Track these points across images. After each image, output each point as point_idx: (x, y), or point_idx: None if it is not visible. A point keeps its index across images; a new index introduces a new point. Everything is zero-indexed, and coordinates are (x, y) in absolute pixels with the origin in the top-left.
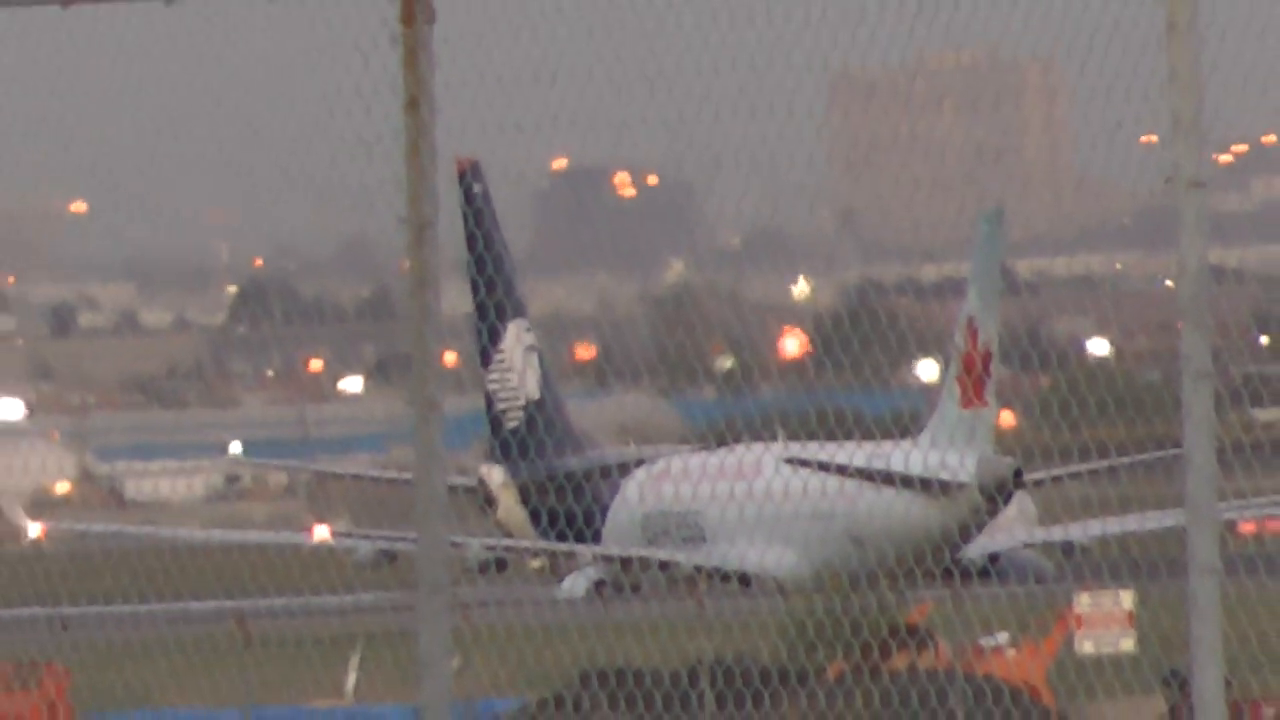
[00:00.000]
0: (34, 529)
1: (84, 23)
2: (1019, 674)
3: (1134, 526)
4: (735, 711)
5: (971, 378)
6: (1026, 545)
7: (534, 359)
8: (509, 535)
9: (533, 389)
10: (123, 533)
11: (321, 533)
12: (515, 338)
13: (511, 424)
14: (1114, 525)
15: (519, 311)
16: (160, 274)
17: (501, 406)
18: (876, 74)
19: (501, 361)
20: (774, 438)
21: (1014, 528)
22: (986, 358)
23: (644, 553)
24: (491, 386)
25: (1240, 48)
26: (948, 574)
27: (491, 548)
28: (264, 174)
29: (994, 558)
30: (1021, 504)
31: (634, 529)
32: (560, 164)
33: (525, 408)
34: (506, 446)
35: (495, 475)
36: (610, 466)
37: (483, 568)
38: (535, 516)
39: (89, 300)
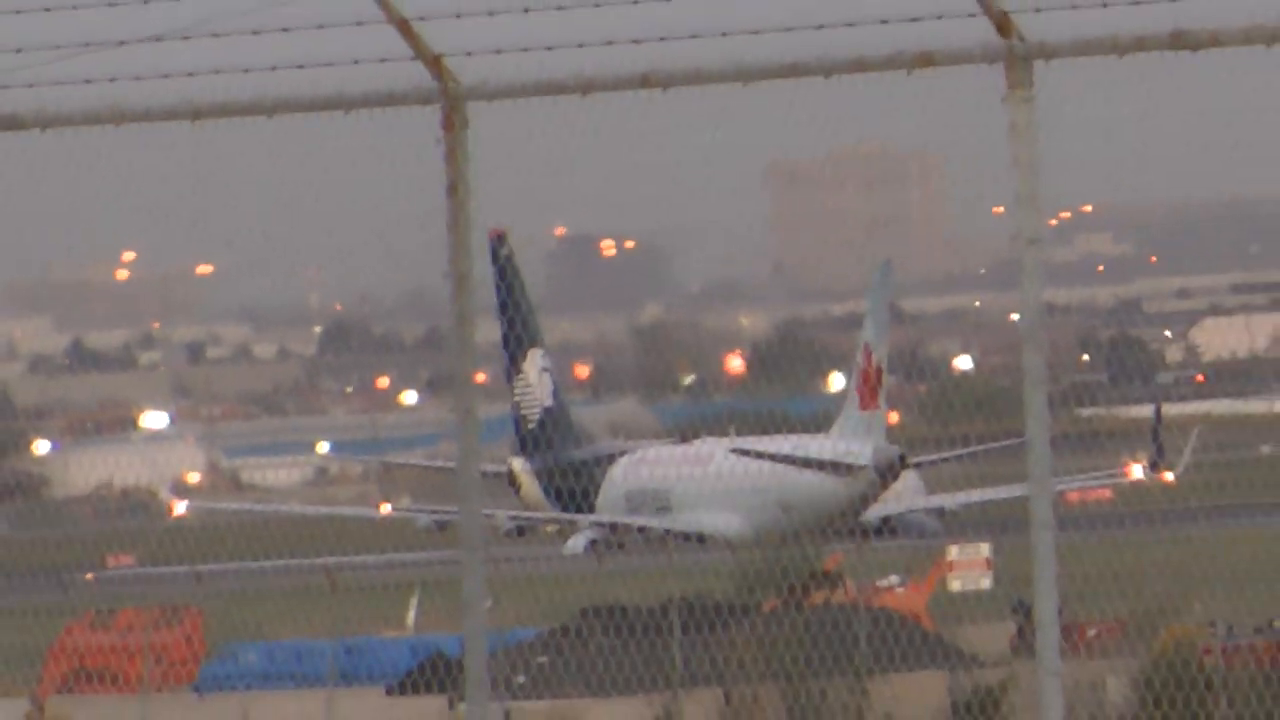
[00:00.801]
0: (180, 507)
1: (208, 133)
2: (906, 606)
3: (991, 496)
4: (696, 636)
5: (867, 388)
6: (913, 510)
7: (547, 377)
8: (531, 509)
9: (547, 399)
10: (243, 509)
11: (386, 508)
12: (533, 362)
13: (531, 425)
14: (976, 495)
15: (536, 342)
16: (267, 317)
17: (523, 412)
18: (799, 163)
19: (523, 379)
20: (725, 434)
21: (905, 498)
22: (878, 373)
23: (627, 519)
24: (516, 398)
25: (1068, 139)
26: (853, 533)
27: (515, 518)
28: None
29: (886, 520)
30: (913, 480)
31: (619, 502)
32: (561, 231)
33: (541, 413)
34: (527, 442)
35: (519, 464)
36: (604, 456)
37: (510, 533)
38: (550, 494)
39: (215, 338)
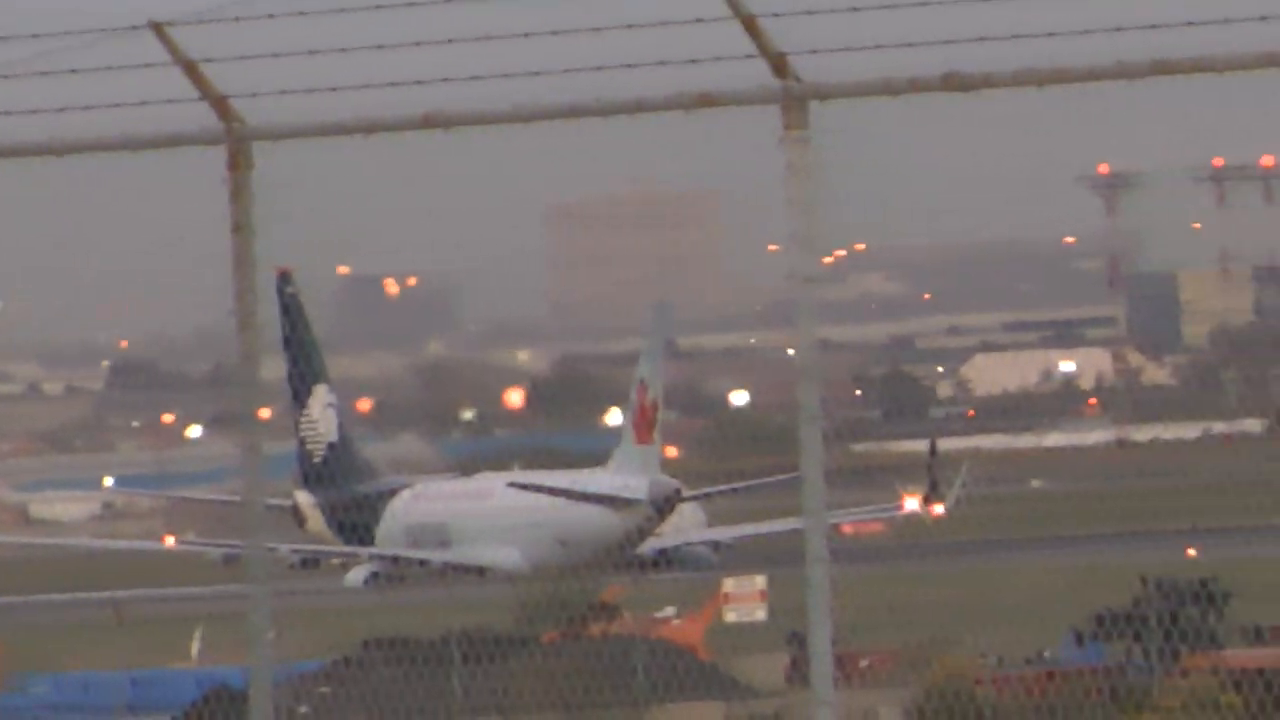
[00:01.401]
0: None
1: None
2: (684, 637)
3: (766, 529)
4: (477, 666)
5: (642, 423)
6: (689, 543)
7: (331, 413)
8: (316, 542)
9: (331, 434)
10: (34, 544)
11: (170, 542)
12: (318, 398)
13: (316, 460)
14: (751, 529)
15: (321, 379)
16: (55, 355)
17: (309, 447)
18: (580, 204)
19: (308, 415)
20: (506, 469)
21: (687, 530)
22: (653, 408)
23: (407, 553)
24: (301, 433)
25: (843, 179)
26: (631, 565)
27: (297, 551)
28: (134, 281)
29: (663, 552)
30: (695, 513)
31: (399, 536)
32: (345, 270)
33: (326, 448)
34: (312, 477)
35: (304, 498)
36: (388, 490)
37: (297, 566)
38: (334, 527)
39: (4, 374)
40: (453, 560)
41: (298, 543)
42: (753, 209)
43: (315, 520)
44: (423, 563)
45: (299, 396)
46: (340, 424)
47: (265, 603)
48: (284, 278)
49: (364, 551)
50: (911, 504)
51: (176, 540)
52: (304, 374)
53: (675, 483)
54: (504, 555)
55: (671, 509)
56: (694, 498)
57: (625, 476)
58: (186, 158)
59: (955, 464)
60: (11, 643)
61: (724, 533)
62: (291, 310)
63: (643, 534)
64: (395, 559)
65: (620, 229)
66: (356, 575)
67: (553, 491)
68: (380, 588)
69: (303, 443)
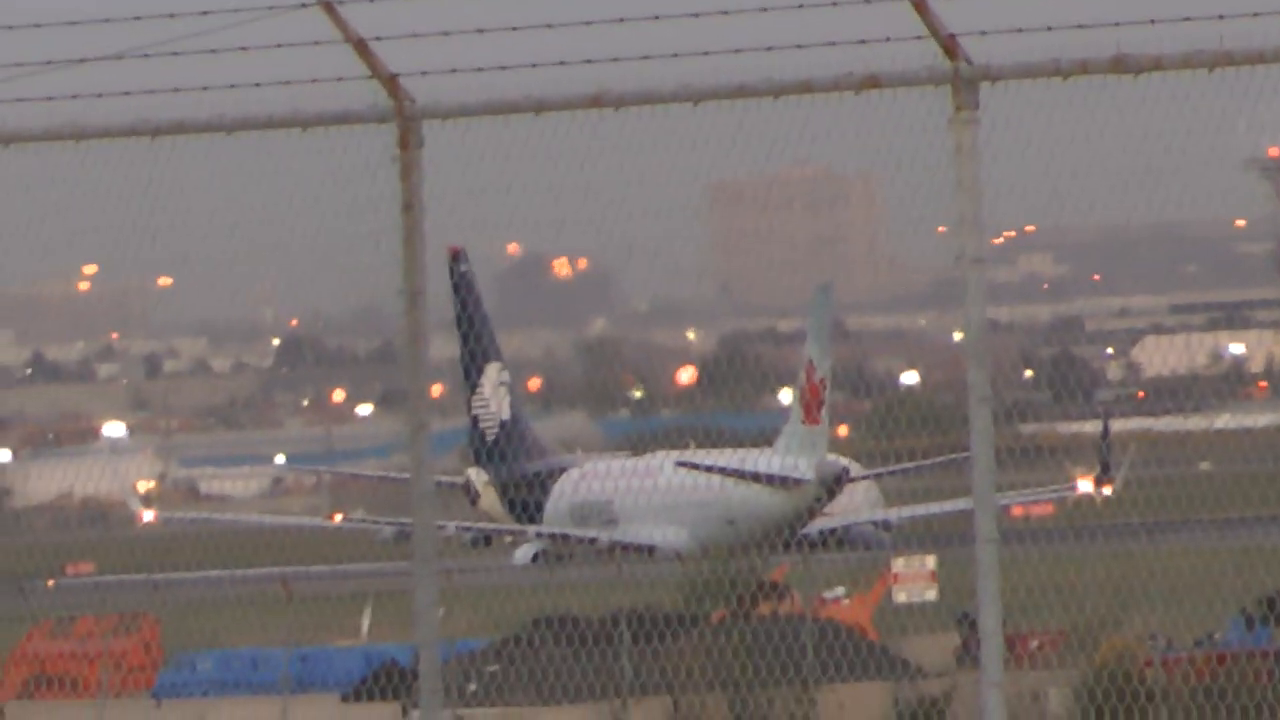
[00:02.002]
0: (147, 515)
1: (166, 151)
2: (852, 617)
3: (935, 510)
4: (645, 645)
5: (810, 404)
6: (857, 523)
7: (504, 391)
8: (490, 521)
9: (504, 412)
10: (206, 519)
11: (338, 519)
12: (490, 376)
13: (489, 437)
14: (921, 509)
15: (495, 356)
16: (224, 331)
17: (482, 426)
18: (744, 184)
19: (480, 393)
20: (683, 448)
21: (862, 510)
22: (819, 389)
23: (573, 531)
24: (475, 411)
25: (1009, 160)
26: (799, 544)
27: (463, 528)
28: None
29: (831, 532)
30: (870, 492)
31: (565, 515)
32: (513, 249)
33: (499, 426)
34: (486, 454)
35: (477, 475)
36: (560, 469)
37: (474, 543)
38: (507, 505)
39: (172, 351)
40: (619, 539)
41: (470, 520)
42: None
43: (488, 498)
44: (590, 541)
45: (471, 374)
46: (513, 402)
47: (433, 580)
48: (456, 256)
49: (531, 530)
50: (1085, 485)
51: (344, 518)
52: (476, 352)
53: (843, 463)
54: (670, 535)
55: (839, 489)
56: (862, 478)
57: (792, 456)
58: (356, 135)
59: (1123, 445)
60: (179, 619)
61: (892, 513)
62: (464, 288)
63: (810, 514)
64: (562, 537)
65: (786, 209)
66: (524, 553)
67: (720, 471)
68: (546, 566)
69: (475, 421)
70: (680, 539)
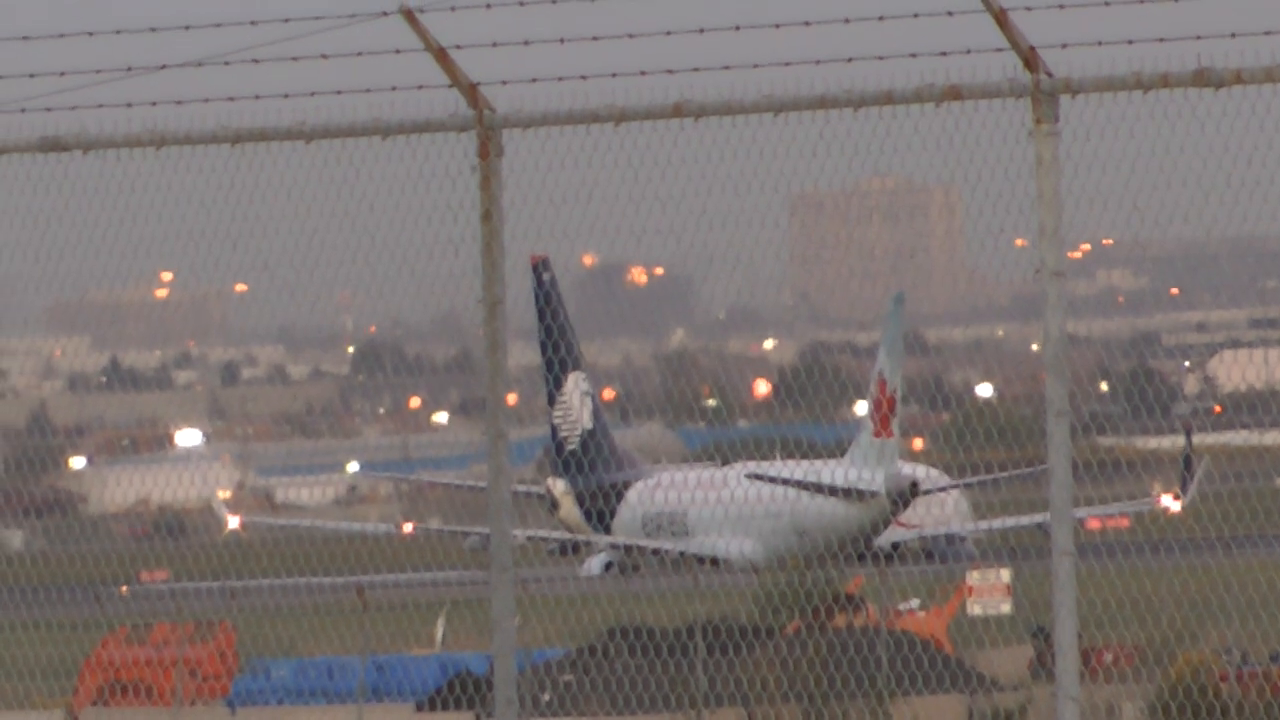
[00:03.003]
0: (233, 522)
1: (247, 157)
2: (927, 629)
3: (1012, 523)
4: (720, 658)
5: (881, 416)
6: (920, 537)
7: (588, 400)
8: (570, 531)
9: (587, 421)
10: (290, 525)
11: (408, 528)
12: (574, 385)
13: (571, 447)
14: (997, 522)
15: (578, 366)
16: (301, 338)
17: (563, 434)
18: (824, 195)
19: (564, 402)
20: (756, 458)
21: (953, 520)
22: (891, 401)
23: (643, 542)
24: (556, 421)
25: (1089, 174)
26: (875, 557)
27: (531, 538)
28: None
29: (896, 545)
30: (959, 505)
31: (636, 525)
32: (590, 260)
33: (581, 436)
34: (567, 464)
35: (558, 485)
36: (636, 479)
37: (554, 552)
38: (588, 515)
39: (250, 358)
40: (689, 550)
41: (549, 530)
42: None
43: (568, 507)
44: (659, 552)
45: (553, 383)
46: (596, 411)
47: (509, 589)
48: (541, 264)
49: (603, 540)
50: (1167, 500)
51: (414, 526)
52: (560, 361)
53: (912, 475)
54: (740, 545)
55: (909, 502)
56: (932, 491)
57: (863, 468)
58: (436, 143)
59: (1199, 460)
60: (254, 627)
61: (968, 526)
62: (549, 297)
63: (880, 526)
64: (629, 549)
65: (865, 220)
66: (595, 563)
67: (790, 483)
68: (616, 576)
69: (556, 429)
70: (751, 550)
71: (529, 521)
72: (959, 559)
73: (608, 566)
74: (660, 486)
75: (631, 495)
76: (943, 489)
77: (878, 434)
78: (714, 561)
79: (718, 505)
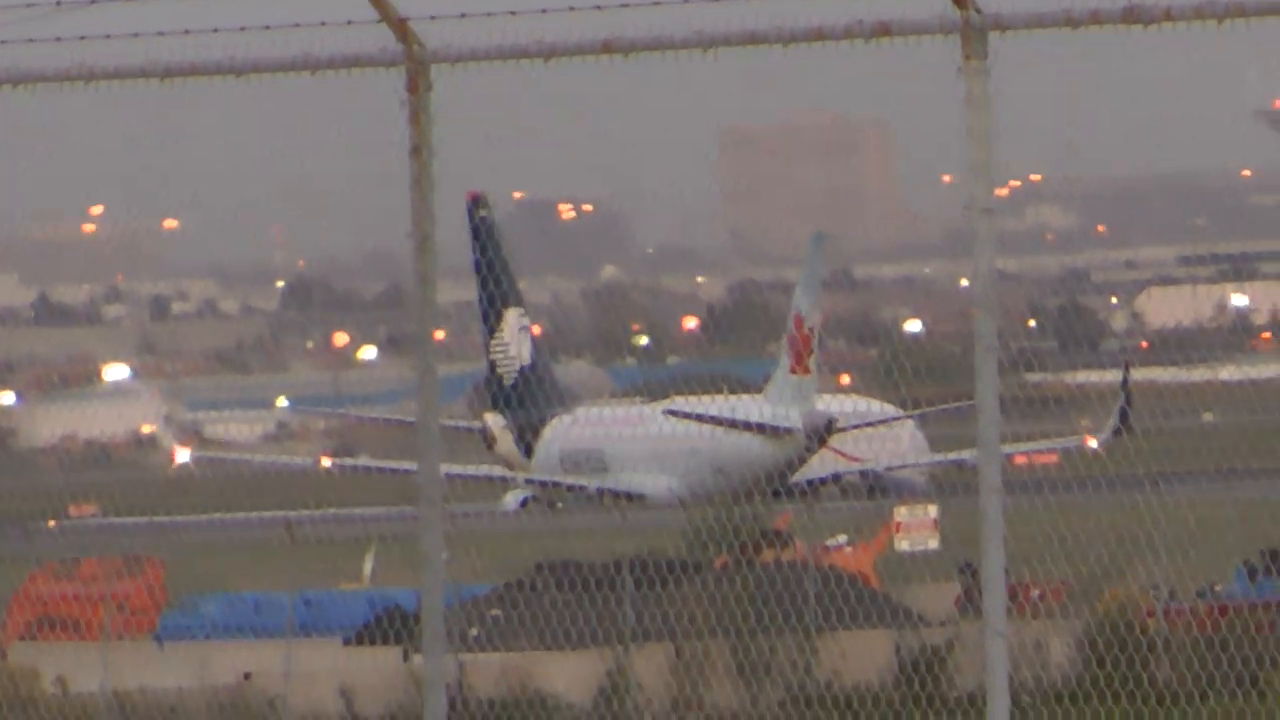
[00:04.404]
0: (182, 455)
1: (177, 93)
2: (855, 566)
3: (940, 458)
4: (648, 593)
5: (797, 353)
6: (836, 476)
7: (525, 336)
8: (508, 466)
9: (525, 357)
10: (243, 460)
11: (326, 463)
12: (511, 321)
13: (508, 383)
14: (925, 459)
15: (516, 302)
16: (232, 274)
17: (500, 370)
18: (756, 130)
19: (500, 337)
20: (679, 396)
21: (906, 455)
22: (808, 339)
23: (560, 478)
24: (494, 357)
25: (1019, 111)
26: (803, 493)
27: (455, 476)
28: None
29: (815, 482)
30: (914, 438)
31: (555, 462)
32: (519, 195)
33: (519, 371)
34: (505, 399)
35: (494, 420)
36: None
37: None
38: (525, 450)
39: (180, 293)
40: (607, 486)
41: (484, 465)
42: (928, 139)
43: (505, 442)
44: (576, 488)
45: (490, 319)
46: (534, 347)
47: (438, 524)
48: (477, 201)
49: (520, 476)
50: (1102, 437)
51: (333, 462)
52: (496, 296)
53: (830, 413)
54: (661, 482)
55: (825, 440)
56: (850, 428)
57: (779, 405)
58: (366, 80)
59: (1120, 396)
60: (183, 562)
61: (882, 464)
62: (484, 233)
63: (798, 464)
64: (548, 484)
65: (796, 157)
66: (512, 499)
67: (707, 420)
68: (542, 512)
69: (493, 366)
70: (669, 486)
71: (461, 457)
72: (903, 494)
73: (525, 502)
74: (578, 423)
75: (549, 432)
76: (860, 426)
77: (794, 371)
78: (632, 498)
79: (635, 441)
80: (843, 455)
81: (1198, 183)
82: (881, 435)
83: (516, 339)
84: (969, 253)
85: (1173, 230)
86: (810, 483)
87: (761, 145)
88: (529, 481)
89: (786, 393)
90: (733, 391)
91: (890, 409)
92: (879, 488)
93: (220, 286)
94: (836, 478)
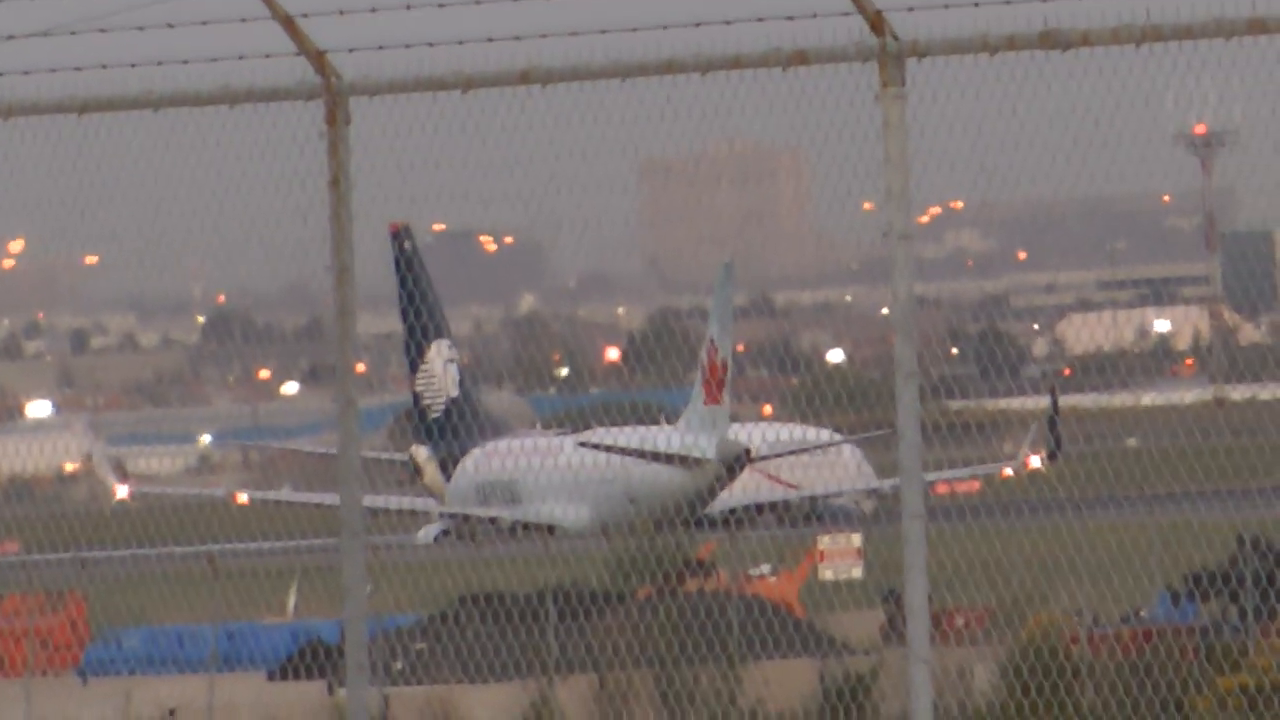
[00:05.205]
0: (121, 490)
1: (95, 126)
2: (778, 594)
3: (862, 487)
4: (572, 623)
5: (712, 383)
6: (757, 504)
7: (452, 368)
8: (434, 497)
9: (452, 389)
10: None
11: (243, 497)
12: (438, 352)
13: (435, 415)
14: (847, 485)
15: (444, 334)
16: (151, 307)
17: (426, 402)
18: (673, 159)
19: (426, 369)
20: (600, 425)
21: (850, 479)
22: (722, 368)
23: (475, 510)
24: (419, 388)
25: (937, 136)
26: (726, 522)
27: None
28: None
29: (732, 511)
30: (861, 465)
31: (470, 493)
32: (440, 227)
33: (445, 403)
34: (430, 431)
35: (421, 452)
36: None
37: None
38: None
39: (100, 327)
40: (522, 518)
41: (416, 498)
42: (846, 166)
43: (431, 474)
44: (492, 520)
45: (415, 350)
46: (461, 379)
47: (359, 556)
48: (402, 232)
49: (434, 508)
50: (1035, 461)
51: (249, 495)
52: (423, 328)
53: (744, 443)
54: (573, 512)
55: (740, 469)
56: (764, 458)
57: (694, 435)
58: (284, 111)
59: (1038, 421)
60: (104, 595)
61: (819, 488)
62: (407, 264)
63: (712, 493)
64: (464, 516)
65: (713, 185)
66: (427, 532)
67: (621, 450)
68: (456, 543)
69: (418, 397)
70: (583, 517)
71: (384, 489)
72: (838, 521)
73: (442, 534)
74: (493, 454)
75: (466, 463)
76: (782, 455)
77: (709, 401)
78: (547, 529)
79: (548, 472)
80: (778, 481)
81: (1117, 206)
82: (823, 461)
83: (443, 371)
84: (888, 279)
85: (1092, 254)
86: (733, 510)
87: (678, 173)
88: (443, 514)
89: (701, 422)
90: (654, 420)
91: (828, 435)
92: (814, 514)
93: (139, 320)
94: (759, 507)
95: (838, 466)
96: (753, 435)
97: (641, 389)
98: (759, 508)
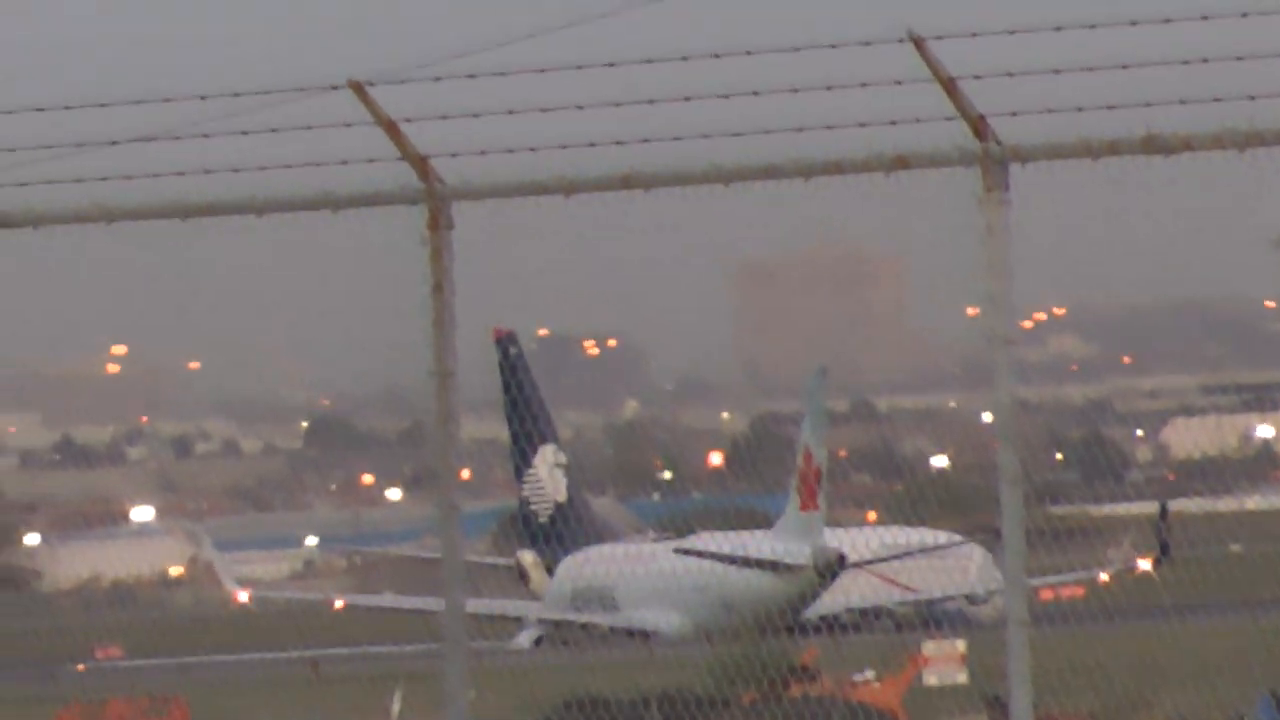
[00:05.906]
0: (242, 596)
1: (197, 232)
2: (882, 700)
3: (950, 593)
4: None
5: (807, 489)
6: (849, 610)
7: (559, 473)
8: (539, 601)
9: (559, 494)
10: (297, 598)
11: (339, 603)
12: (544, 457)
13: (542, 520)
14: (938, 591)
15: (551, 438)
16: (253, 413)
17: (533, 507)
18: (771, 263)
19: (533, 474)
20: (704, 530)
21: (977, 583)
22: (817, 474)
23: (571, 616)
24: (525, 493)
25: (1040, 244)
26: (830, 627)
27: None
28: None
29: (826, 618)
30: (984, 567)
31: (566, 599)
32: (544, 332)
33: (553, 507)
34: (536, 536)
35: (528, 557)
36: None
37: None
38: None
39: (202, 433)
40: (617, 624)
41: (523, 602)
42: (948, 270)
43: (539, 578)
44: (587, 626)
45: (520, 456)
46: (569, 484)
47: (462, 661)
48: (507, 338)
49: (531, 614)
50: (1144, 564)
51: (344, 600)
52: (529, 434)
53: (838, 549)
54: (668, 619)
55: (835, 575)
56: (860, 564)
57: (789, 542)
58: (386, 216)
59: (1141, 528)
60: (208, 700)
61: (895, 596)
62: (516, 369)
63: (806, 599)
64: (559, 623)
65: (812, 289)
66: (524, 638)
67: (716, 557)
68: (547, 649)
69: (525, 502)
70: (679, 623)
71: (483, 593)
72: (954, 625)
73: (538, 641)
74: (589, 561)
75: (561, 570)
76: (873, 562)
77: (804, 507)
78: (643, 635)
79: (644, 579)
80: (894, 584)
81: (1218, 311)
82: (948, 565)
83: (550, 475)
84: (990, 384)
85: (1195, 360)
86: (825, 618)
87: (777, 277)
88: (541, 620)
89: (795, 528)
90: (757, 524)
91: (945, 537)
92: (930, 619)
93: (240, 426)
94: (864, 612)
95: (956, 571)
96: (869, 539)
97: (743, 494)
98: (863, 613)
